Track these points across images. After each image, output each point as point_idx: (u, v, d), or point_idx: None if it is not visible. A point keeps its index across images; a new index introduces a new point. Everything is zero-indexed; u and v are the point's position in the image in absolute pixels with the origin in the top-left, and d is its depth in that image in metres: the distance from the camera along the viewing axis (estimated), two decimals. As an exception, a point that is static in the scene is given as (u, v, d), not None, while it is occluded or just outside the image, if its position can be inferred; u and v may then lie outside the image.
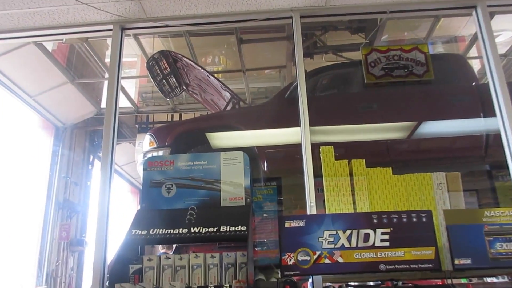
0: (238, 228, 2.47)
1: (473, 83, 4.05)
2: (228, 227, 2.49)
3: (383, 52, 4.06)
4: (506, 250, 2.22)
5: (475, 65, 6.49)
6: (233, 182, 2.84)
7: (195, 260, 2.49)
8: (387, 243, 2.28)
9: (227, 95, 4.79)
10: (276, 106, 4.25)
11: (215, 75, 5.40)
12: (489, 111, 3.56)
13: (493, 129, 3.55)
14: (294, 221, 2.38)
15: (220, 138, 4.11)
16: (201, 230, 2.51)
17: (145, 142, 4.23)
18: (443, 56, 4.85)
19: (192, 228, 2.52)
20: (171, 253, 3.60)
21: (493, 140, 3.69)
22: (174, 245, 3.90)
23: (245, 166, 2.91)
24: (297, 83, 3.37)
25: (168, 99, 6.18)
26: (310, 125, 3.14)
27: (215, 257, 2.49)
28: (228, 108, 4.82)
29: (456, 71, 4.20)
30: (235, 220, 2.55)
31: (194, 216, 2.62)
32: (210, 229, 2.49)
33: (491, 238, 2.25)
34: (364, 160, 2.87)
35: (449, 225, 2.32)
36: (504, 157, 2.98)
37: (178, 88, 5.18)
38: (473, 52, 6.27)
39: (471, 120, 3.86)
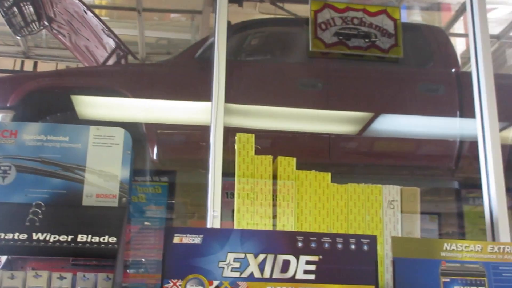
0: (104, 239, 2.45)
1: (453, 70, 4.33)
2: (90, 236, 2.45)
3: (340, 11, 4.18)
4: (464, 296, 2.41)
5: (459, 45, 6.91)
6: (105, 172, 2.80)
7: (34, 281, 2.43)
8: (312, 276, 2.36)
9: (111, 43, 4.72)
10: (180, 68, 4.26)
11: (96, 11, 5.27)
12: (468, 110, 3.83)
13: (470, 135, 3.82)
14: (187, 235, 2.39)
15: (92, 105, 4.04)
16: (48, 238, 2.45)
17: (-25, 99, 4.05)
18: (419, 27, 5.11)
19: (34, 234, 2.45)
20: None
21: (468, 149, 3.99)
22: (5, 257, 3.78)
23: (125, 150, 2.87)
24: (214, 39, 3.39)
25: (18, 37, 5.96)
26: (226, 101, 3.17)
27: (65, 278, 2.45)
28: (110, 62, 4.76)
29: (432, 50, 4.45)
30: (101, 227, 2.52)
31: (40, 217, 2.56)
32: (62, 238, 2.44)
33: (448, 280, 2.42)
34: (294, 158, 2.94)
35: (397, 258, 2.46)
36: (479, 173, 3.21)
37: (36, 23, 5.01)
38: (459, 27, 6.66)
39: (443, 119, 4.13)
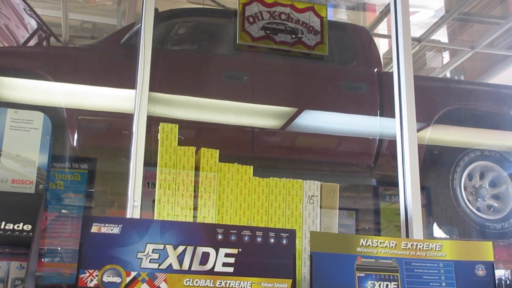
0: (18, 227, 2.39)
1: (375, 69, 4.44)
2: (4, 223, 2.39)
3: (268, 6, 4.21)
4: (377, 291, 2.49)
5: (383, 46, 7.11)
6: (22, 157, 2.73)
7: None
8: (231, 269, 2.38)
9: (33, 23, 4.60)
10: (104, 54, 4.18)
11: (18, -11, 5.12)
12: (388, 109, 3.95)
13: (389, 134, 3.94)
14: (106, 225, 2.36)
15: (10, 87, 3.92)
16: (-42, 224, 2.37)
17: None
18: (344, 26, 5.22)
19: None
20: None
21: (387, 148, 4.11)
22: None
23: (44, 134, 2.81)
24: (141, 26, 3.35)
25: None
26: (151, 89, 3.14)
27: (-25, 266, 2.38)
28: (31, 43, 4.63)
29: (356, 49, 4.55)
30: (16, 213, 2.45)
31: (-50, 201, 2.47)
32: (-26, 224, 2.38)
33: (363, 274, 2.49)
34: (218, 150, 2.95)
35: (315, 252, 2.50)
36: (396, 171, 3.31)
37: (-47, -1, 4.81)
38: (382, 27, 6.84)
39: (364, 117, 4.24)
